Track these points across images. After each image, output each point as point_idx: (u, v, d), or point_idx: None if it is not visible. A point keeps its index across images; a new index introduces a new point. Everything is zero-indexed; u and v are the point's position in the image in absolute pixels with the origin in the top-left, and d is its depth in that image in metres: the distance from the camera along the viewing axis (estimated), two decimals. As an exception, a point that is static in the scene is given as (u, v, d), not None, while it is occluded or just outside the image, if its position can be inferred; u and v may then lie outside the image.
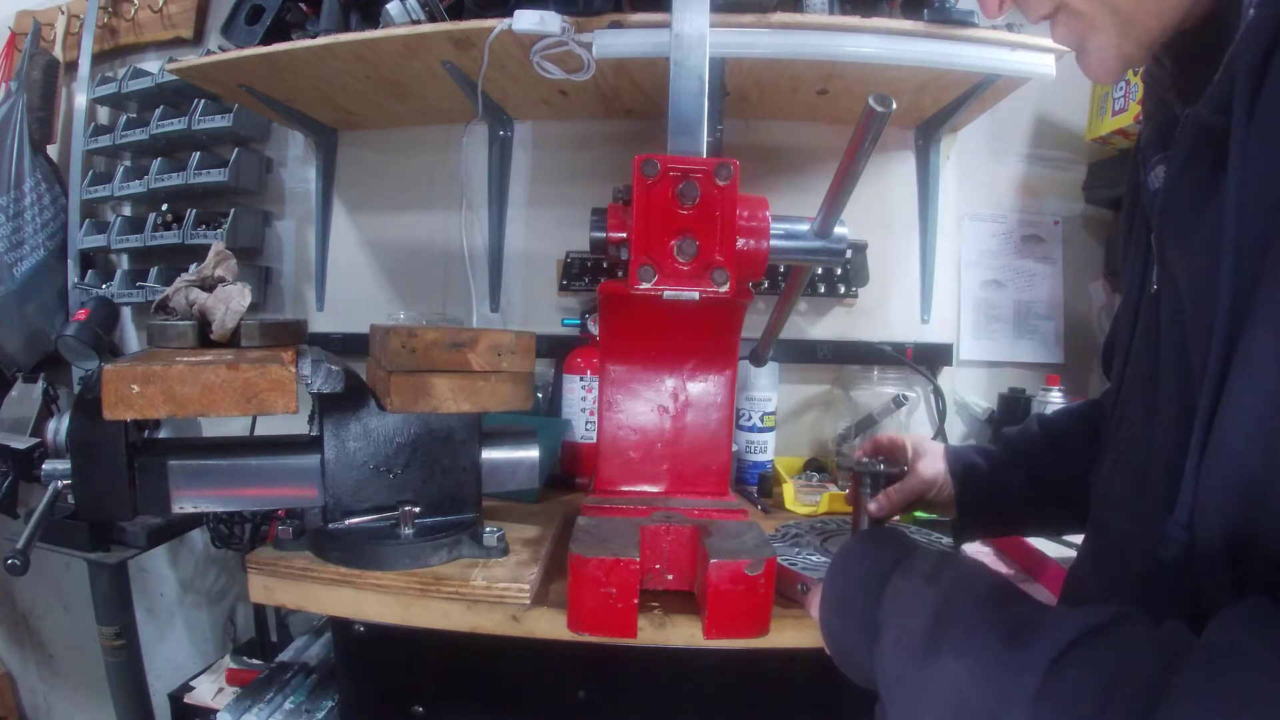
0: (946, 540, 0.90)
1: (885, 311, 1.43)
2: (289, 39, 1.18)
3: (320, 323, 1.57)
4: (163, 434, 1.00)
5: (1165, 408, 0.47)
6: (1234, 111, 0.38)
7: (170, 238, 1.52)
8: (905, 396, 1.23)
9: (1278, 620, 0.31)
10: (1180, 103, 0.48)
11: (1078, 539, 0.66)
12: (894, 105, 0.57)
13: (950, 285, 1.44)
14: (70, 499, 0.73)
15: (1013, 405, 1.35)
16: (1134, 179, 0.55)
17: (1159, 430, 0.47)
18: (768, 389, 1.26)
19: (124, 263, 1.66)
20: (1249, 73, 0.37)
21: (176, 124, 1.51)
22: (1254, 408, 0.36)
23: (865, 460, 0.79)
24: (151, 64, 1.63)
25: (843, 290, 1.38)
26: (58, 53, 1.69)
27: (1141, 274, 0.52)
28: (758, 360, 1.10)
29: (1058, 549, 0.92)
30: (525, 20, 1.03)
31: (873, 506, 0.78)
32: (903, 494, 0.79)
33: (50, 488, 0.73)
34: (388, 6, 1.10)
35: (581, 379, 1.26)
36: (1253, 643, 0.30)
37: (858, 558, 0.56)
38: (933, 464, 0.80)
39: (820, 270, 1.36)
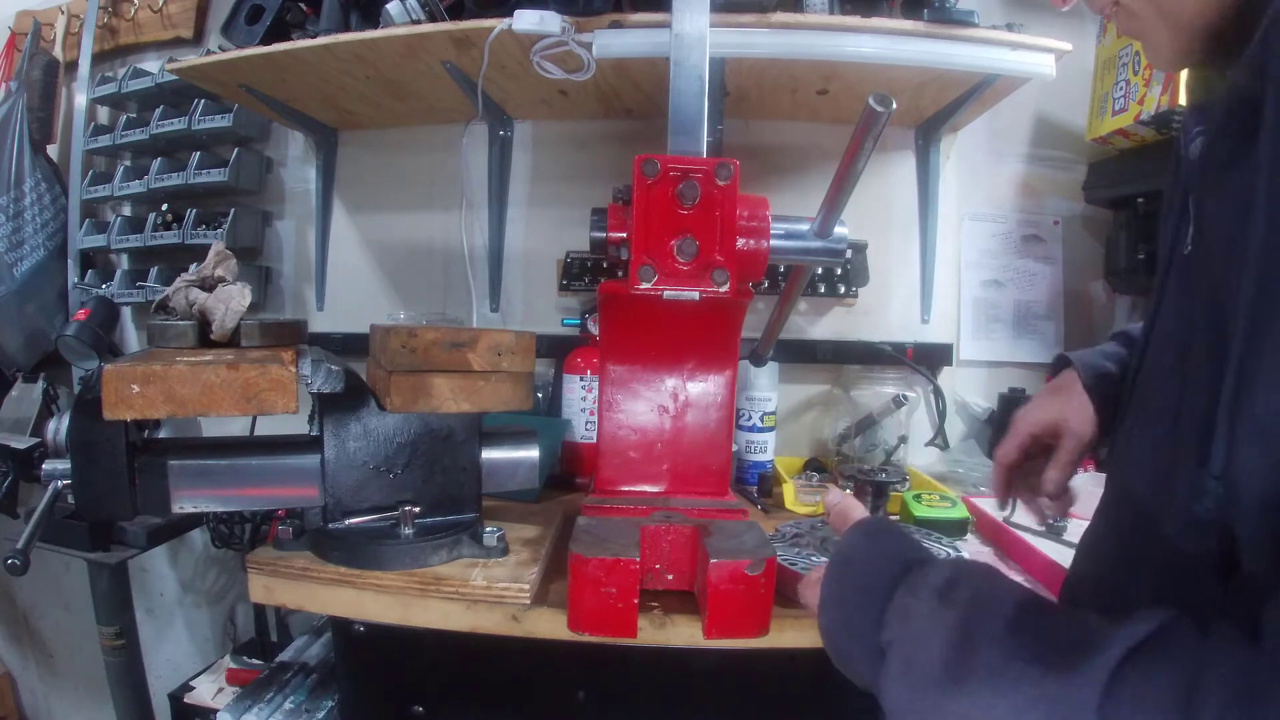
0: (946, 541, 0.90)
1: (885, 311, 1.43)
2: (289, 39, 1.18)
3: (320, 323, 1.57)
4: (163, 434, 1.00)
5: (1197, 368, 0.44)
6: (1267, 74, 0.37)
7: (170, 238, 1.52)
8: (905, 396, 1.23)
9: None
10: (1219, 75, 0.48)
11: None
12: (894, 105, 0.57)
13: (950, 285, 1.44)
14: (70, 499, 0.73)
15: (1013, 405, 1.34)
16: (1175, 153, 0.55)
17: (1190, 388, 0.45)
18: (768, 389, 1.26)
19: (124, 263, 1.66)
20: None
21: (176, 124, 1.51)
22: None
23: (867, 469, 0.78)
24: (151, 64, 1.63)
25: (843, 290, 1.38)
26: (58, 53, 1.69)
27: (1173, 239, 0.51)
28: (757, 360, 1.10)
29: (1058, 549, 0.92)
30: (525, 20, 1.03)
31: (1049, 487, 0.72)
32: (1069, 456, 0.71)
33: (50, 488, 0.73)
34: (388, 6, 1.10)
35: (581, 379, 1.26)
36: None
37: (859, 560, 0.53)
38: (1080, 405, 0.71)
39: (820, 270, 1.36)
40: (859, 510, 0.63)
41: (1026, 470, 0.76)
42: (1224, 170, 0.42)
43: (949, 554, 0.84)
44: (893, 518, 1.03)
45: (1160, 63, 0.51)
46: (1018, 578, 0.89)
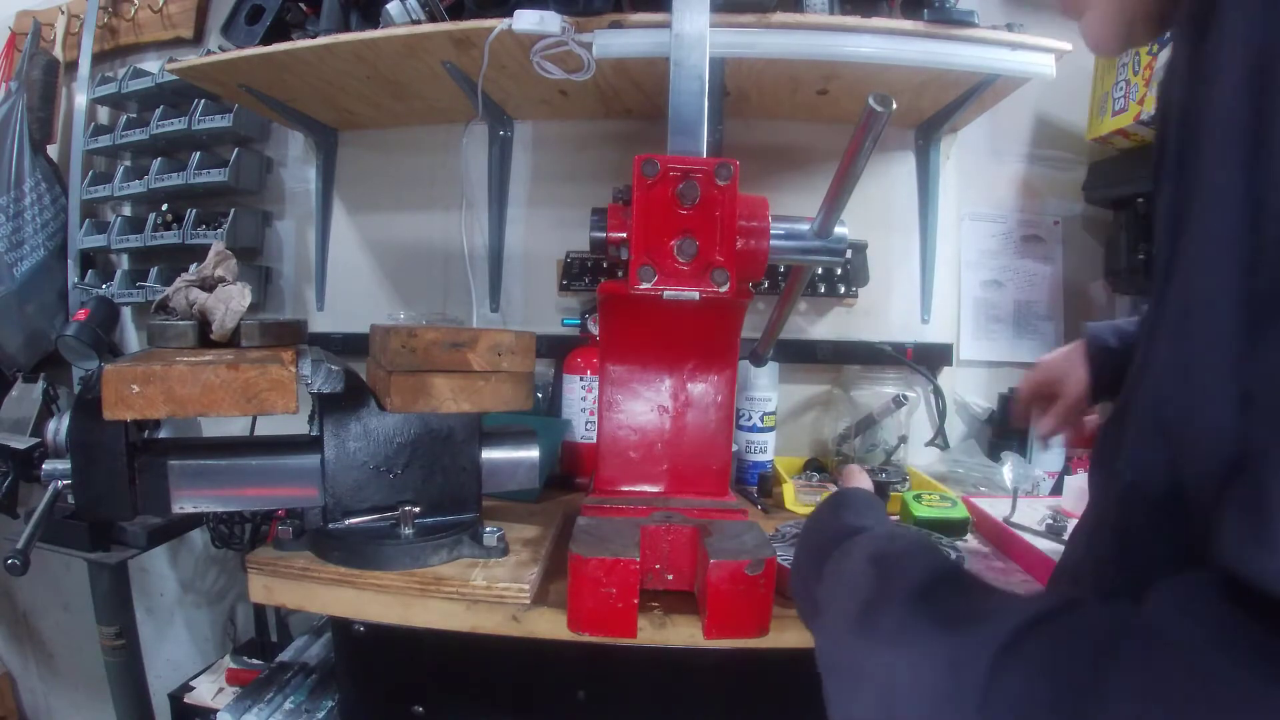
0: (946, 541, 0.90)
1: (885, 311, 1.43)
2: (289, 39, 1.18)
3: (320, 323, 1.57)
4: (163, 434, 1.00)
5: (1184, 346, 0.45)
6: None
7: (170, 238, 1.52)
8: (905, 396, 1.23)
9: (1203, 597, 0.29)
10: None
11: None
12: (894, 105, 0.57)
13: (950, 285, 1.44)
14: (70, 499, 0.73)
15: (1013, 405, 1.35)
16: (1169, 95, 0.54)
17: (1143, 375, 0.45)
18: (768, 389, 1.26)
19: (124, 263, 1.66)
20: None
21: (176, 124, 1.51)
22: (1171, 320, 0.35)
23: (867, 469, 0.79)
24: (151, 64, 1.63)
25: (843, 290, 1.38)
26: (58, 53, 1.69)
27: (1176, 194, 0.51)
28: (757, 360, 1.10)
29: (1059, 549, 0.92)
30: (525, 20, 1.03)
31: (1041, 429, 0.87)
32: (1062, 411, 0.84)
33: (50, 488, 0.73)
34: (388, 6, 1.10)
35: (581, 379, 1.26)
36: (1183, 629, 0.28)
37: (816, 523, 0.56)
38: (1077, 370, 0.83)
39: (820, 270, 1.36)
40: (855, 479, 0.68)
41: (1043, 405, 0.88)
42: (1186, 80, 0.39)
43: (949, 554, 0.84)
44: (893, 518, 1.03)
45: (1094, 38, 0.46)
46: (1018, 576, 0.89)
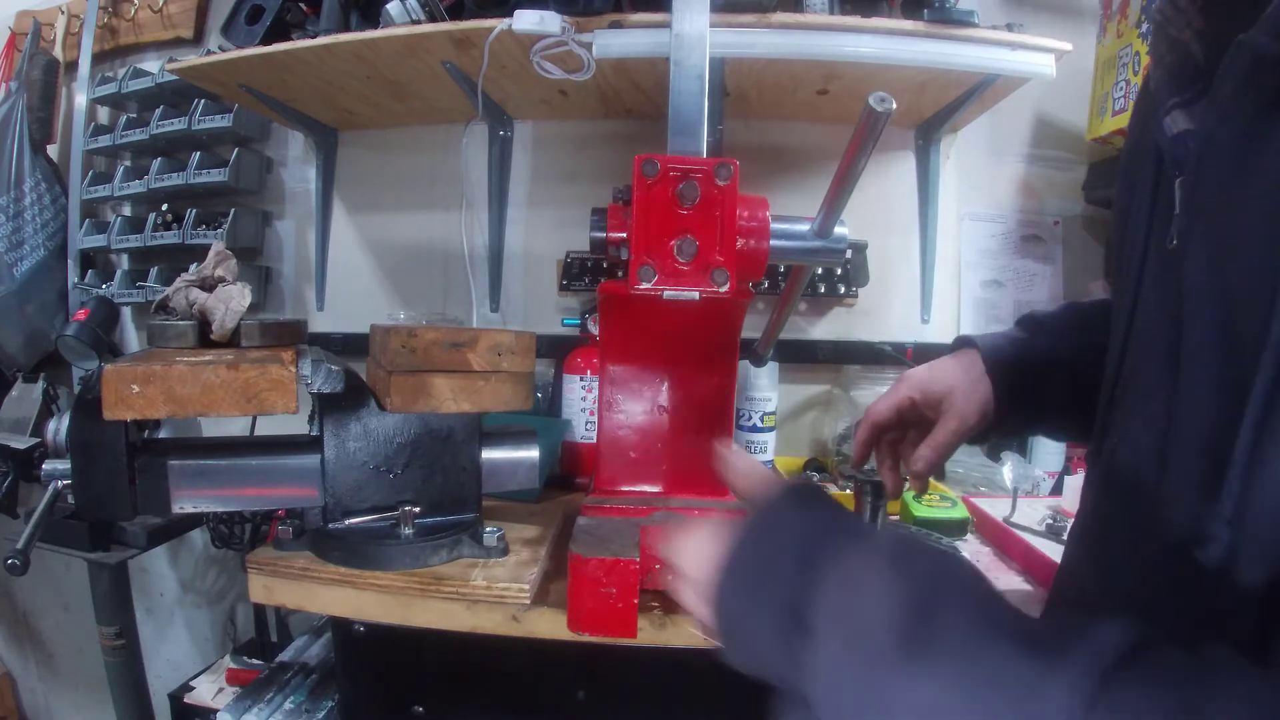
0: (946, 541, 0.90)
1: (885, 311, 1.43)
2: (289, 39, 1.18)
3: (320, 323, 1.57)
4: (163, 434, 1.00)
5: (1193, 383, 0.39)
6: None
7: (170, 238, 1.52)
8: (905, 396, 1.22)
9: None
10: (1198, 41, 0.42)
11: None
12: (894, 105, 0.57)
13: (950, 285, 1.44)
14: (70, 499, 0.73)
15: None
16: (1142, 123, 0.50)
17: (1183, 408, 0.39)
18: (768, 389, 1.26)
19: (124, 263, 1.66)
20: None
21: (176, 124, 1.51)
22: None
23: (867, 469, 0.76)
24: (151, 64, 1.62)
25: (843, 290, 1.38)
26: (58, 53, 1.69)
27: (1148, 228, 0.45)
28: (757, 360, 1.10)
29: (1059, 550, 0.92)
30: (525, 20, 1.03)
31: (919, 465, 0.66)
32: (947, 437, 0.65)
33: (50, 488, 0.73)
34: (388, 6, 1.10)
35: (581, 379, 1.26)
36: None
37: (784, 521, 0.44)
38: (974, 386, 0.66)
39: (820, 270, 1.36)
40: (764, 470, 0.55)
41: (898, 437, 0.73)
42: (1239, 151, 0.37)
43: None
44: (893, 518, 1.03)
45: None
46: (1017, 578, 0.89)
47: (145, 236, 1.54)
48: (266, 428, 0.93)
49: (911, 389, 0.71)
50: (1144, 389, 0.45)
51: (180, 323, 0.78)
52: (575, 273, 1.41)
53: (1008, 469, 1.05)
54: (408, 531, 0.80)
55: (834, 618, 0.37)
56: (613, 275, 1.34)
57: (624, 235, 0.76)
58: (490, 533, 0.84)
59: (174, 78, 1.36)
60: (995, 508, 1.03)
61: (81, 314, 1.43)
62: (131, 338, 1.71)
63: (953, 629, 0.32)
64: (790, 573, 0.40)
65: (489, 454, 0.86)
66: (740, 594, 0.43)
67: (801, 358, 1.40)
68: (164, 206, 1.56)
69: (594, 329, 1.34)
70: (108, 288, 1.58)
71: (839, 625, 0.37)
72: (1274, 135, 0.34)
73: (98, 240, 1.60)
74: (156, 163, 1.54)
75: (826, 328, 1.44)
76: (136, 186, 1.56)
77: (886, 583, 0.36)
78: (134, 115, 1.61)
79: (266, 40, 1.19)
